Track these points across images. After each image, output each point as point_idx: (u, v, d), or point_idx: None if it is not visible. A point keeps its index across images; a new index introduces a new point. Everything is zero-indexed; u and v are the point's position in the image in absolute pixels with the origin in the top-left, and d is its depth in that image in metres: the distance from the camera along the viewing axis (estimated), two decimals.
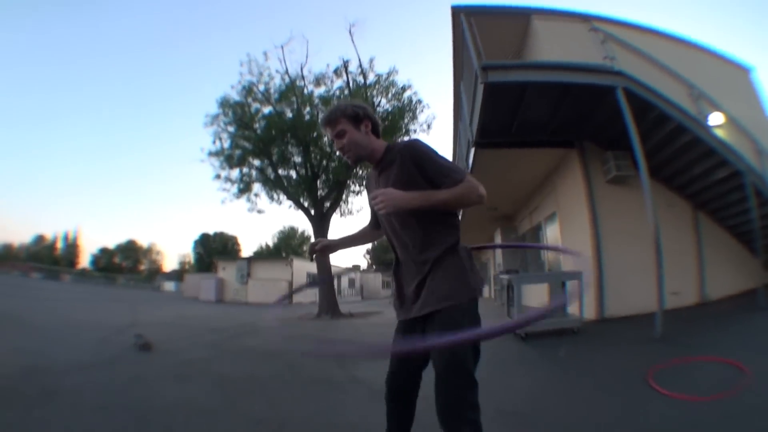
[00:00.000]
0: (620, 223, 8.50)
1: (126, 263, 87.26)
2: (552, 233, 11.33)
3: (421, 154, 1.93)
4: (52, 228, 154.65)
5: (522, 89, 7.00)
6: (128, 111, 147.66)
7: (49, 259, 74.02)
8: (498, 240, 15.76)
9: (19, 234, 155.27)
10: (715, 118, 8.05)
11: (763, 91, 13.79)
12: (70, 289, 29.02)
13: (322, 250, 2.40)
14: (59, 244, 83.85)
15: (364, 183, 16.33)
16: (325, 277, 13.99)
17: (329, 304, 15.08)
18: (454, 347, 1.77)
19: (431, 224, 1.95)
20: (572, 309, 7.69)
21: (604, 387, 4.10)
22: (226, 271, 30.51)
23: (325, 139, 15.24)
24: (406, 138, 15.95)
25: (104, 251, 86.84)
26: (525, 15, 9.54)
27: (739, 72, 13.54)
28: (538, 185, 11.80)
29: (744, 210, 7.64)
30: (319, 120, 2.67)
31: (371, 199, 1.90)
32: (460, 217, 14.35)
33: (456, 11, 8.85)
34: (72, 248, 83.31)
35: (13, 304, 12.63)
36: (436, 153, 1.94)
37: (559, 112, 7.94)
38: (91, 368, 4.91)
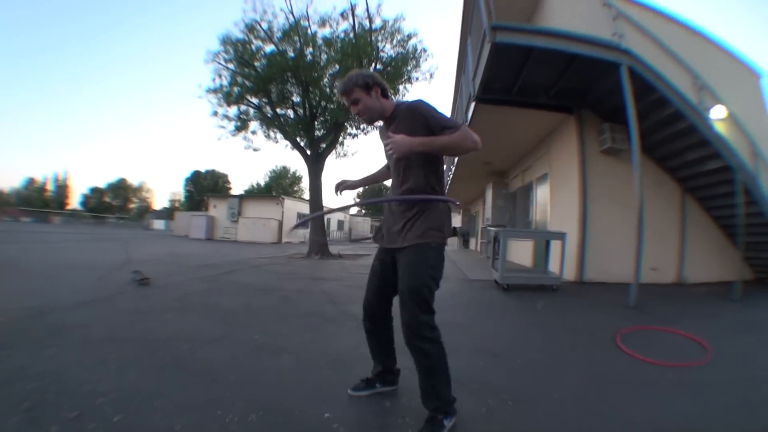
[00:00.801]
0: (608, 193, 8.82)
1: (116, 202, 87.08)
2: (542, 194, 11.61)
3: (424, 110, 2.30)
4: (43, 170, 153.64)
5: (528, 52, 7.13)
6: (123, 45, 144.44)
7: (39, 201, 74.67)
8: (489, 194, 16.08)
9: (9, 178, 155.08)
10: (717, 112, 8.12)
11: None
12: (60, 231, 29.31)
13: (347, 187, 2.91)
14: (50, 186, 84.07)
15: (362, 127, 16.71)
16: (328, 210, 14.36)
17: (319, 245, 15.44)
18: (417, 277, 2.28)
19: (430, 173, 2.40)
20: (553, 268, 8.09)
21: (574, 340, 4.42)
22: (217, 209, 30.59)
23: (325, 80, 15.41)
24: (408, 85, 16.03)
25: (95, 191, 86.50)
26: None
27: (750, 75, 13.70)
28: (534, 146, 12.03)
29: (731, 204, 7.92)
30: (336, 90, 2.94)
31: (385, 147, 2.32)
32: (453, 169, 14.65)
33: None
34: (62, 189, 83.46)
35: (6, 249, 12.77)
36: (436, 110, 2.31)
37: (561, 79, 8.09)
38: (94, 304, 5.09)
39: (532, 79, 8.17)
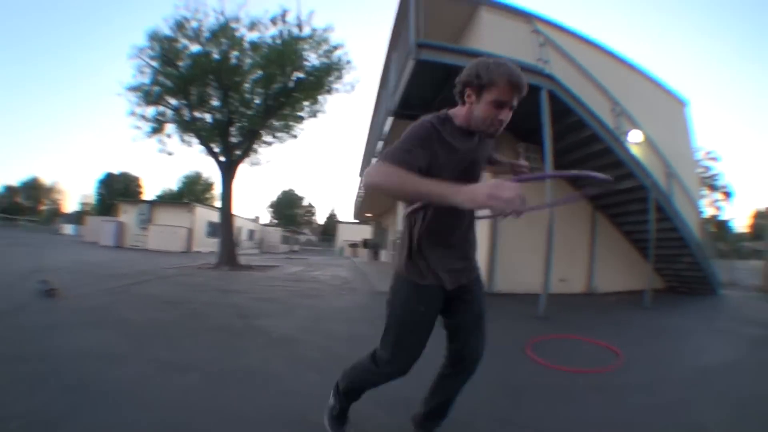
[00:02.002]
0: None
1: (28, 203, 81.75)
2: None
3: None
4: None
5: (450, 71, 7.24)
6: (39, 35, 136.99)
7: None
8: (401, 207, 16.69)
9: None
10: (634, 136, 9.04)
11: (692, 125, 15.90)
12: None
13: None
14: None
15: (278, 135, 16.82)
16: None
17: (228, 255, 15.24)
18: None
19: None
20: None
21: (491, 353, 4.68)
22: (128, 215, 29.23)
23: (246, 85, 15.34)
24: (327, 96, 16.05)
25: (9, 189, 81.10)
26: (475, 3, 9.86)
27: (675, 103, 15.24)
28: None
29: (643, 220, 8.67)
30: (518, 83, 1.77)
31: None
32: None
33: None
34: None
35: None
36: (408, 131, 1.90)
37: None
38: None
39: (452, 96, 8.34)
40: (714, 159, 44.29)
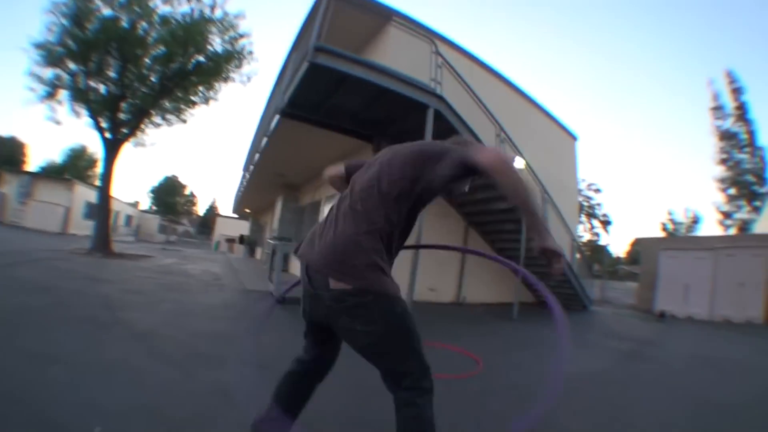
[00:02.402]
0: None
1: None
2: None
3: None
4: None
5: (343, 78, 7.47)
6: None
7: None
8: (279, 206, 17.04)
9: None
10: (517, 162, 9.84)
11: (579, 158, 17.80)
12: None
13: None
14: None
15: (167, 117, 16.36)
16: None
17: (103, 241, 14.73)
18: None
19: None
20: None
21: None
22: (10, 186, 26.73)
23: (146, 61, 14.89)
24: (223, 84, 16.16)
25: None
26: (385, 17, 10.20)
27: (566, 137, 16.86)
28: (328, 165, 12.81)
29: (516, 239, 9.49)
30: None
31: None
32: (248, 177, 14.68)
33: None
34: None
35: None
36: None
37: (370, 108, 8.75)
38: None
39: (342, 103, 8.72)
40: (596, 190, 48.93)
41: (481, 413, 3.08)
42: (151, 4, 14.36)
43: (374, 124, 9.53)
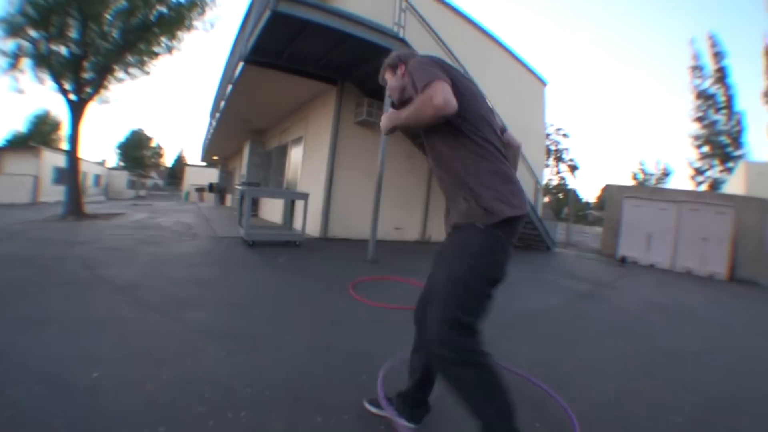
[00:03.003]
0: (357, 160, 10.32)
1: None
2: (296, 155, 12.91)
3: (411, 68, 1.99)
4: None
5: (305, 24, 7.72)
6: None
7: None
8: (246, 152, 17.37)
9: None
10: None
11: (547, 104, 18.33)
12: None
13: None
14: None
15: (130, 72, 15.95)
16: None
17: (75, 205, 14.67)
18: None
19: (441, 147, 2.04)
20: (297, 225, 9.20)
21: (312, 288, 5.40)
22: None
23: (107, 17, 14.55)
24: (186, 33, 15.64)
25: None
26: None
27: (535, 81, 17.10)
28: (294, 109, 13.23)
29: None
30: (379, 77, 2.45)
31: None
32: (214, 124, 14.92)
33: None
34: None
35: None
36: (421, 65, 1.94)
37: (333, 53, 8.98)
38: None
39: (305, 48, 8.94)
40: (564, 135, 49.63)
41: None
42: None
43: (338, 68, 9.77)
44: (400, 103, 2.35)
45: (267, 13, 7.41)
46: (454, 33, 11.84)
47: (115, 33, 14.83)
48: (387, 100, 7.82)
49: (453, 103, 1.74)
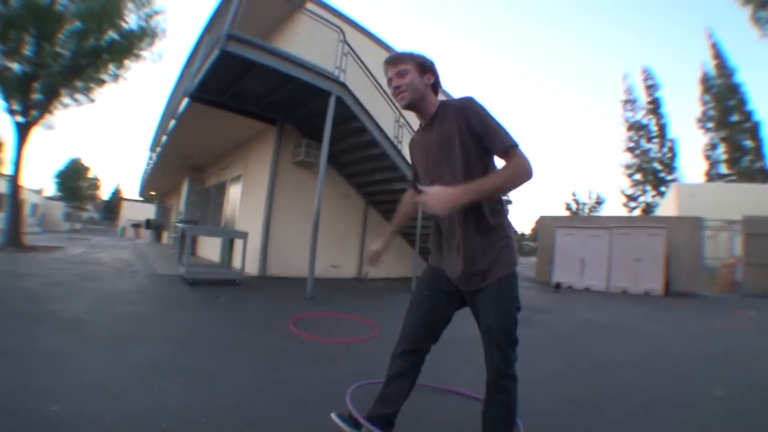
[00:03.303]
0: (294, 200, 10.61)
1: None
2: (235, 193, 13.10)
3: (475, 111, 2.00)
4: None
5: (251, 64, 7.97)
6: None
7: None
8: (185, 188, 17.38)
9: None
10: None
11: None
12: None
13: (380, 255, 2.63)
14: None
15: (77, 98, 15.90)
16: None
17: (14, 235, 14.43)
18: (508, 313, 2.08)
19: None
20: (236, 264, 9.39)
21: (254, 325, 5.64)
22: None
23: (62, 37, 14.41)
24: (134, 63, 15.67)
25: None
26: (298, 3, 10.55)
27: None
28: (234, 148, 13.49)
29: (413, 217, 10.44)
30: (385, 59, 2.24)
31: (424, 196, 1.91)
32: (154, 158, 14.95)
33: None
34: None
35: None
36: (489, 113, 2.01)
37: (275, 93, 9.33)
38: None
39: (249, 87, 9.24)
40: None
41: (375, 369, 3.38)
42: None
43: (279, 109, 10.16)
44: (407, 107, 2.18)
45: (216, 52, 7.65)
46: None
47: (67, 54, 14.70)
48: (326, 144, 8.25)
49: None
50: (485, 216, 2.05)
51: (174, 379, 3.28)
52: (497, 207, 2.12)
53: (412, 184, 2.26)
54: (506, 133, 1.93)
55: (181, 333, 4.86)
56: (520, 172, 1.83)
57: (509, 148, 1.88)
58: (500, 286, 2.05)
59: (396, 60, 2.16)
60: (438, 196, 1.85)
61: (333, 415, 2.37)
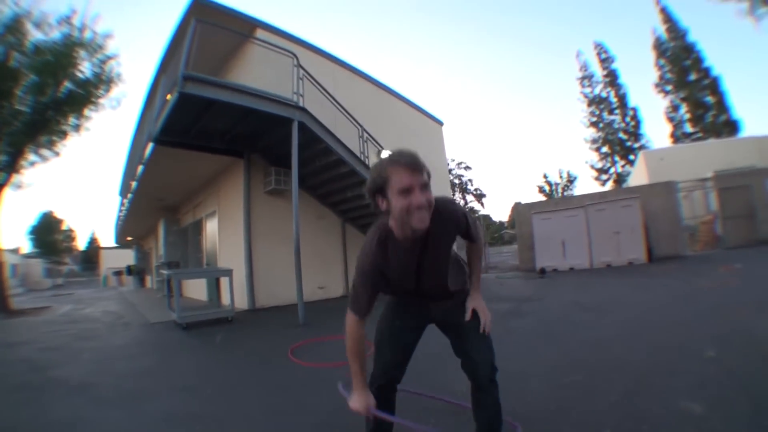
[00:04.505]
0: (272, 228, 10.74)
1: None
2: (212, 228, 13.20)
3: (469, 225, 2.22)
4: None
5: (211, 102, 8.08)
6: None
7: None
8: (161, 230, 17.55)
9: None
10: (383, 155, 11.16)
11: (446, 142, 20.49)
12: None
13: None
14: None
15: (43, 154, 15.76)
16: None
17: (1, 300, 14.31)
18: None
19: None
20: (225, 301, 9.53)
21: (254, 362, 5.65)
22: None
23: (19, 93, 14.22)
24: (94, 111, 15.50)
25: None
26: (249, 31, 10.82)
27: (432, 123, 18.68)
28: (205, 184, 13.52)
29: None
30: (405, 159, 1.83)
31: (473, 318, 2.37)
32: (127, 204, 15.12)
33: (193, 12, 9.50)
34: None
35: None
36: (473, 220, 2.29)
37: (238, 126, 9.45)
38: None
39: (211, 124, 9.36)
40: (467, 167, 52.29)
41: None
42: (24, 31, 13.83)
43: (244, 140, 10.29)
44: (424, 224, 1.89)
45: (175, 95, 7.70)
46: (351, 90, 12.91)
47: (26, 110, 14.53)
48: (295, 170, 8.42)
49: None
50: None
51: (191, 429, 3.35)
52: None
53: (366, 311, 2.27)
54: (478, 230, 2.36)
55: (186, 380, 4.90)
56: (482, 254, 2.43)
57: (480, 239, 2.40)
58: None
59: (420, 168, 1.86)
60: (488, 314, 2.38)
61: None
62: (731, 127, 33.23)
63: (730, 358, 3.77)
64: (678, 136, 36.24)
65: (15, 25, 13.61)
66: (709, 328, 4.89)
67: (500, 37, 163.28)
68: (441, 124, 20.54)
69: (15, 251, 44.00)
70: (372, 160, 10.85)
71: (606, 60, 43.71)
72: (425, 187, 1.86)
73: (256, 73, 10.26)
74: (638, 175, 26.11)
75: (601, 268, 13.95)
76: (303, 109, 8.86)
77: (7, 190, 15.39)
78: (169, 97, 8.53)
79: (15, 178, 15.66)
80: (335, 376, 4.23)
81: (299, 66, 9.35)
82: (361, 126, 10.80)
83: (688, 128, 35.90)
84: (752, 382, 3.18)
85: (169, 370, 5.51)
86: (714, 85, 34.84)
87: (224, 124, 9.47)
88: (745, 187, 14.70)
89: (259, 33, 10.89)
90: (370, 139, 11.18)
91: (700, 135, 34.31)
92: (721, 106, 34.46)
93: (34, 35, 14.16)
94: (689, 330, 4.95)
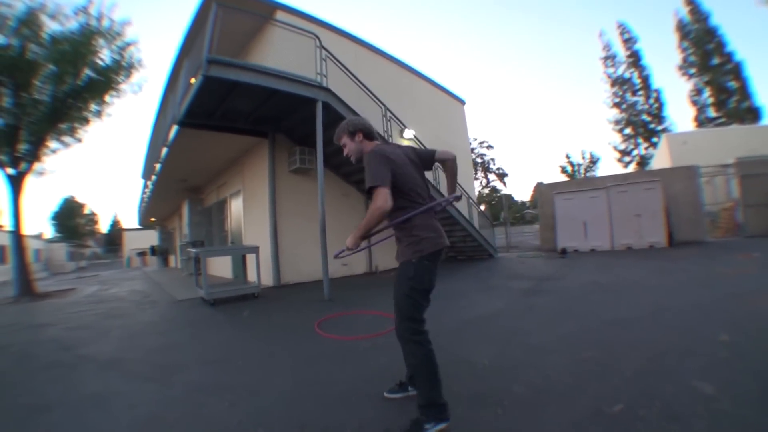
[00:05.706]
0: (297, 206, 10.87)
1: None
2: (236, 208, 13.38)
3: (365, 163, 2.75)
4: None
5: (235, 84, 8.10)
6: None
7: None
8: (185, 211, 17.68)
9: None
10: (407, 133, 11.36)
11: (468, 121, 19.91)
12: None
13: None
14: None
15: (64, 141, 15.76)
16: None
17: (25, 284, 14.38)
18: (399, 289, 2.79)
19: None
20: (251, 277, 9.60)
21: (281, 335, 5.74)
22: None
23: (38, 82, 14.20)
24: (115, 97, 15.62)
25: None
26: (269, 13, 10.84)
27: (454, 102, 18.42)
28: (229, 164, 13.69)
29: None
30: (335, 137, 3.12)
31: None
32: (151, 186, 14.89)
33: None
34: None
35: None
36: (372, 164, 2.67)
37: (262, 107, 9.47)
38: None
39: (235, 106, 9.40)
40: (489, 147, 51.90)
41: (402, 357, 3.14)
42: (40, 23, 13.82)
43: (267, 121, 10.36)
44: (357, 162, 3.07)
45: (199, 78, 7.73)
46: (374, 70, 12.88)
47: (46, 99, 14.55)
48: (320, 150, 8.47)
49: (390, 203, 2.56)
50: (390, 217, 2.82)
51: (222, 399, 3.45)
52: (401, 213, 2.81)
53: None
54: (370, 177, 2.62)
55: (215, 354, 5.00)
56: (372, 212, 2.55)
57: (369, 189, 2.63)
58: (400, 267, 2.84)
59: (336, 138, 3.08)
60: (348, 243, 2.86)
61: (386, 394, 3.18)
62: (753, 113, 32.68)
63: (743, 342, 3.85)
64: (701, 121, 35.72)
65: (30, 18, 13.62)
66: (724, 314, 4.94)
67: (525, 13, 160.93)
68: (463, 103, 20.48)
69: (38, 237, 44.73)
70: (395, 139, 10.90)
71: (629, 40, 43.04)
72: (343, 146, 3.08)
73: (278, 56, 10.33)
74: (661, 158, 25.81)
75: (621, 251, 13.95)
76: (327, 90, 8.89)
77: (30, 178, 15.46)
78: (192, 80, 8.57)
79: (37, 165, 15.68)
80: (361, 348, 4.68)
81: (322, 47, 9.31)
82: (384, 105, 10.80)
83: (711, 113, 35.31)
84: (763, 366, 3.27)
85: (198, 345, 5.61)
86: (737, 70, 34.20)
87: (248, 106, 9.49)
88: (767, 175, 14.47)
89: (279, 15, 10.94)
90: (393, 117, 11.22)
91: (723, 120, 33.78)
92: (744, 91, 33.85)
93: (51, 27, 14.16)
94: (705, 314, 5.02)
